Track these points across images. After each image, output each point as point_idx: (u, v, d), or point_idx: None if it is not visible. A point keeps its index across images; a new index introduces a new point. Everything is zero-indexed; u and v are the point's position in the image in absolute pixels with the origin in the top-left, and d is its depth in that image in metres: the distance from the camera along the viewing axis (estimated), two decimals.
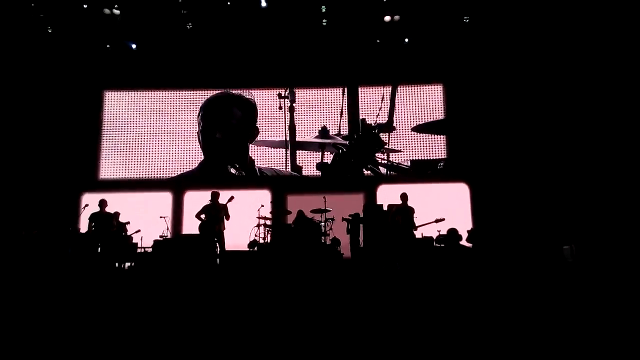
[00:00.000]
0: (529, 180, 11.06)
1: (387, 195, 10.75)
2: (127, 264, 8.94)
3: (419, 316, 4.78)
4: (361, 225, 9.21)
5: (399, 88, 12.32)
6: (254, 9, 10.90)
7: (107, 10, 10.84)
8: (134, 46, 11.76)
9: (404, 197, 8.80)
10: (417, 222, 8.69)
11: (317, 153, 12.18)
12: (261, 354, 3.85)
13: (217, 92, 12.49)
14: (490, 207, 11.07)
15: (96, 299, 5.53)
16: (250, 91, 12.43)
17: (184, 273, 7.17)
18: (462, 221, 10.20)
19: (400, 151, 12.08)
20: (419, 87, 12.32)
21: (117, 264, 8.71)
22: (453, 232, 8.48)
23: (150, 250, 8.91)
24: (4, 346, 3.88)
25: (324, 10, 10.88)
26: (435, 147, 12.09)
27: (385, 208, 9.14)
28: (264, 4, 10.73)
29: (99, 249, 8.81)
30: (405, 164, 12.02)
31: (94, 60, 12.08)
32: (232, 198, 8.92)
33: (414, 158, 12.04)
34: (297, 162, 12.16)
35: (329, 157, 12.12)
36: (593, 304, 4.99)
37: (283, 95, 12.35)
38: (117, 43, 11.76)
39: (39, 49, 11.61)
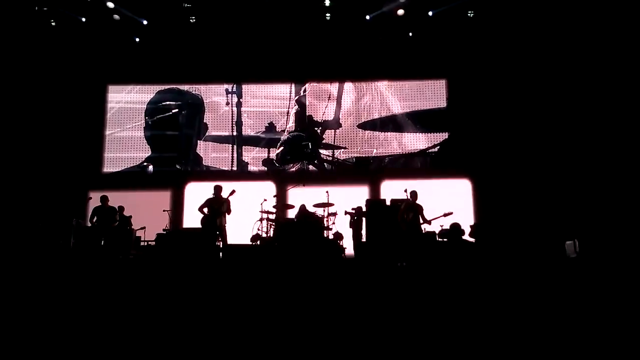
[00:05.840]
0: (532, 175, 11.02)
1: (390, 189, 10.76)
2: (130, 257, 8.97)
3: (421, 310, 4.77)
4: (363, 219, 9.19)
5: (345, 85, 12.27)
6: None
7: (110, 4, 10.82)
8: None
9: (413, 194, 8.73)
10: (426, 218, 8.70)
11: (264, 149, 12.14)
12: (263, 347, 3.86)
13: (165, 87, 12.41)
14: (493, 202, 11.03)
15: (98, 291, 5.55)
16: (197, 86, 12.35)
17: (187, 267, 7.19)
18: (465, 216, 10.19)
19: (345, 148, 12.09)
20: (369, 84, 12.28)
21: (120, 257, 8.74)
22: (456, 227, 8.45)
23: (153, 243, 8.94)
24: (9, 336, 3.90)
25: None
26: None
27: (388, 203, 9.11)
28: None
29: (102, 242, 8.86)
30: (351, 160, 12.07)
31: (98, 54, 12.04)
32: (233, 191, 8.91)
33: (358, 155, 12.07)
34: (244, 158, 12.14)
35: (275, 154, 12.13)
36: (596, 299, 4.98)
37: (230, 90, 12.28)
38: (121, 37, 11.73)
39: (43, 43, 11.60)
